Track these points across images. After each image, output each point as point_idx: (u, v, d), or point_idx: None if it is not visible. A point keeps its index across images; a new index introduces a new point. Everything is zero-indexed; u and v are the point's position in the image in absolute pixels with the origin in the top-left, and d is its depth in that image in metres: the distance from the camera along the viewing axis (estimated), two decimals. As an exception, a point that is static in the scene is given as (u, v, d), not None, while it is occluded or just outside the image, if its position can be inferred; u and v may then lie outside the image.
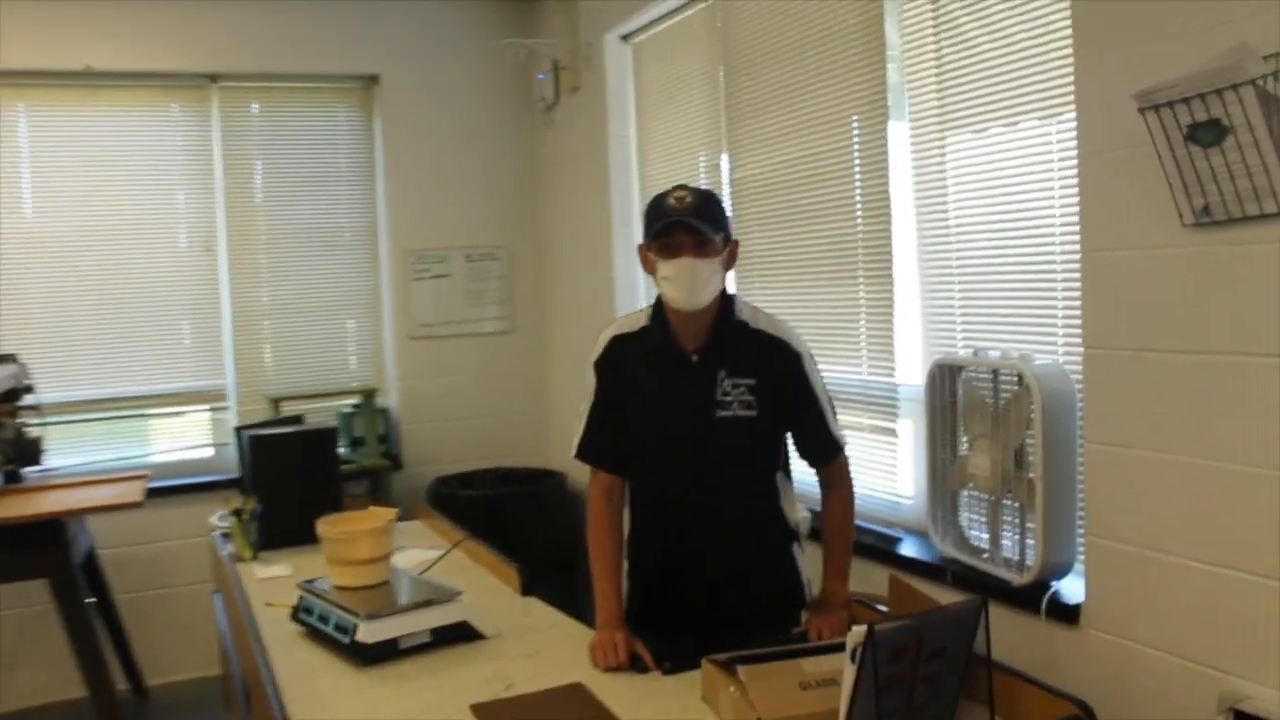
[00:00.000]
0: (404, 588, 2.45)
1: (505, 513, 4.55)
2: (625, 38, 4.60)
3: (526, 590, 2.73)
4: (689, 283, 2.24)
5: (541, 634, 2.44)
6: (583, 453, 2.47)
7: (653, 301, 2.44)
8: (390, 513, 2.55)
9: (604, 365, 2.44)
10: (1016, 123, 2.67)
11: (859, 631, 1.63)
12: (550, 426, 5.40)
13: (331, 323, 5.13)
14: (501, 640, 2.39)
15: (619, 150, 4.64)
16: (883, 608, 2.33)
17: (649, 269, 2.36)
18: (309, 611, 2.44)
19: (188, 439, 4.87)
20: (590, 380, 2.47)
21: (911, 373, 3.11)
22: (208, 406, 4.88)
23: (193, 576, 4.63)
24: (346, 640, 2.26)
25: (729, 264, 2.36)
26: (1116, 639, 2.30)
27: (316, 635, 2.40)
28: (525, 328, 5.39)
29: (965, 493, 2.82)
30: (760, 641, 2.13)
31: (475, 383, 5.28)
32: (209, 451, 4.90)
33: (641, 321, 2.44)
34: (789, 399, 2.36)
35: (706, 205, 2.28)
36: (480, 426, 5.27)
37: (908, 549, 3.01)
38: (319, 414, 4.69)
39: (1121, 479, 2.27)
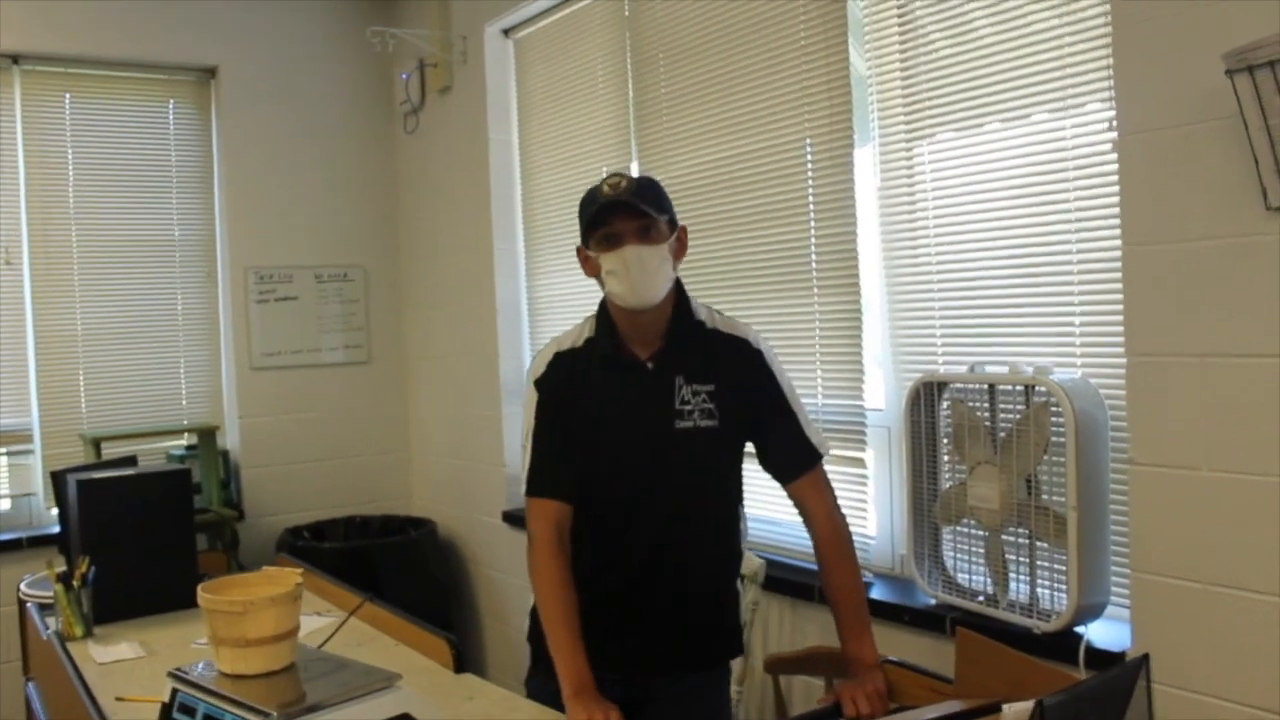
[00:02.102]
0: (321, 674, 1.89)
1: (373, 567, 3.96)
2: (507, 32, 4.14)
3: (460, 665, 2.21)
4: (637, 273, 2.00)
5: (501, 723, 1.93)
6: (536, 486, 2.10)
7: (594, 312, 2.17)
8: (294, 574, 1.99)
9: (546, 384, 2.12)
10: (1021, 116, 2.36)
11: (1018, 711, 1.23)
12: (412, 470, 4.83)
13: (159, 350, 4.40)
14: (453, 735, 1.87)
15: (500, 158, 4.17)
16: (932, 670, 1.93)
17: (590, 271, 2.11)
18: (189, 712, 1.85)
19: (-22, 489, 4.07)
20: (530, 402, 2.14)
21: (876, 395, 2.77)
22: (4, 450, 4.08)
23: (-11, 657, 3.84)
24: (254, 749, 1.69)
25: (679, 253, 2.10)
26: (1174, 689, 1.98)
27: (203, 742, 1.82)
28: (382, 357, 4.80)
29: (952, 529, 2.48)
30: (693, 686, 2.11)
31: (326, 420, 4.65)
32: (5, 504, 4.09)
33: (585, 333, 2.16)
34: (754, 403, 2.13)
35: (646, 188, 2.05)
36: (332, 470, 4.64)
37: (881, 593, 2.64)
38: (147, 457, 3.98)
39: (1176, 505, 1.98)
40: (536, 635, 2.13)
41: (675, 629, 2.14)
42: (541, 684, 2.11)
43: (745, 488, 2.24)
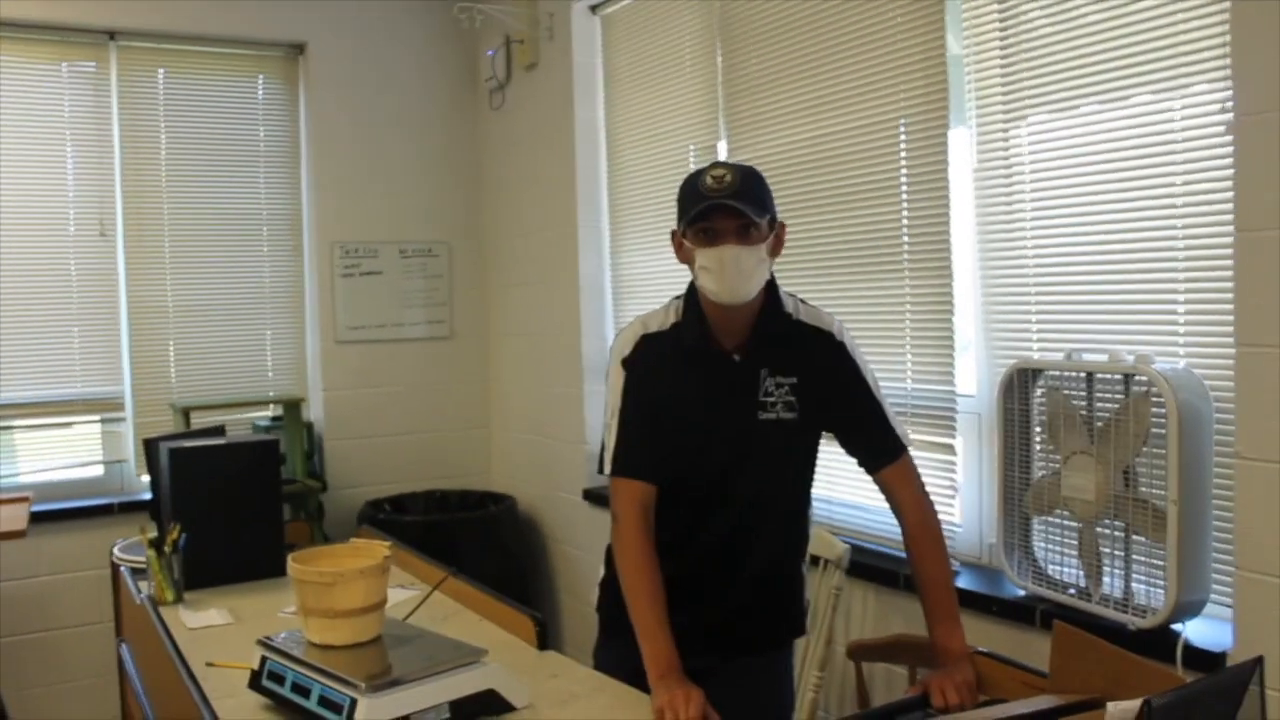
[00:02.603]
0: (407, 647, 1.90)
1: (453, 541, 4.00)
2: (594, 8, 4.12)
3: (544, 643, 2.21)
4: (732, 274, 1.98)
5: (585, 700, 1.92)
6: (622, 465, 2.08)
7: (682, 294, 2.15)
8: (382, 547, 2.00)
9: (634, 365, 2.11)
10: (1125, 98, 2.28)
11: (1124, 710, 1.18)
12: (492, 445, 4.86)
13: (247, 323, 4.47)
14: (536, 712, 1.86)
15: (586, 136, 4.15)
16: (1027, 663, 1.89)
17: (684, 258, 2.09)
18: (278, 679, 1.87)
19: (74, 454, 4.16)
20: (614, 382, 2.13)
21: (967, 381, 2.70)
22: (99, 417, 4.18)
23: (81, 618, 3.94)
24: None
25: (775, 250, 2.06)
26: (1277, 693, 1.90)
27: (291, 710, 1.84)
28: (464, 333, 4.82)
29: (1043, 519, 2.42)
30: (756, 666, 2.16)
31: (408, 394, 4.69)
32: (99, 470, 4.20)
33: (670, 318, 2.14)
34: (836, 394, 2.12)
35: (749, 183, 2.01)
36: (413, 444, 4.69)
37: (968, 583, 2.58)
38: (233, 427, 4.06)
39: (1287, 502, 1.89)
40: (607, 605, 2.15)
41: (742, 611, 2.16)
42: (611, 655, 2.13)
43: (831, 473, 2.22)
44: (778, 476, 2.13)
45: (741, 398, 2.08)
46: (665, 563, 2.04)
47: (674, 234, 2.11)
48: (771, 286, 2.10)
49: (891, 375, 2.80)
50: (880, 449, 2.13)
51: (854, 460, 2.18)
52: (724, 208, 1.96)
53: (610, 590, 2.17)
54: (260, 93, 4.50)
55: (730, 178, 1.97)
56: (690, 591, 2.09)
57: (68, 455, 4.16)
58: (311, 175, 4.50)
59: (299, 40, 4.47)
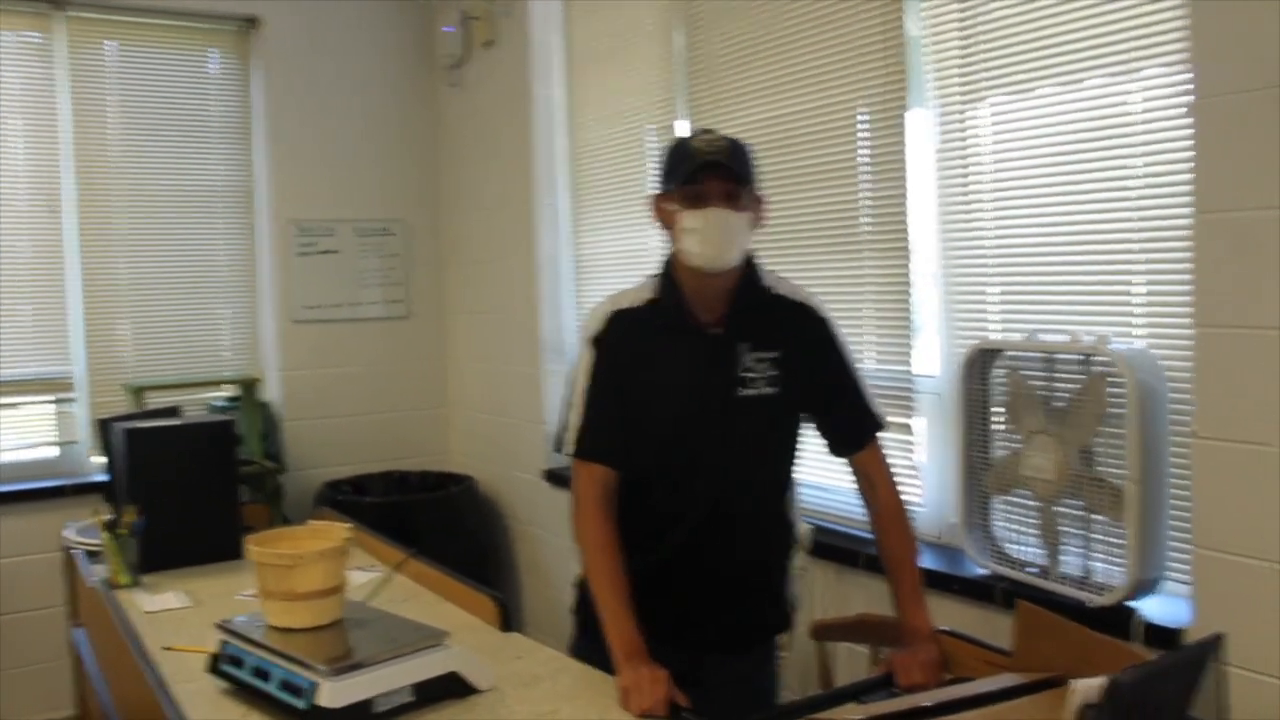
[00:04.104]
0: (368, 630, 1.88)
1: (413, 522, 3.97)
2: (555, -15, 4.08)
3: (507, 624, 2.19)
4: (717, 237, 1.95)
5: (550, 682, 1.91)
6: (585, 447, 2.05)
7: (655, 274, 2.11)
8: (342, 529, 1.98)
9: (603, 343, 2.07)
10: (1083, 80, 2.29)
11: (1089, 687, 1.19)
12: (451, 425, 4.82)
13: (202, 302, 4.40)
14: (501, 695, 1.85)
15: (544, 114, 4.11)
16: (990, 642, 1.90)
17: (666, 222, 2.05)
18: (237, 663, 1.85)
19: (26, 435, 4.08)
20: (583, 362, 2.09)
21: (927, 362, 2.72)
22: (51, 398, 4.10)
23: (34, 602, 3.87)
24: (302, 705, 1.68)
25: (756, 223, 2.05)
26: (1236, 669, 1.92)
27: (251, 695, 1.81)
28: (422, 313, 4.78)
29: (1003, 498, 2.44)
30: (743, 670, 2.08)
31: (366, 375, 4.64)
32: (51, 451, 4.12)
33: (645, 295, 2.10)
34: (817, 370, 2.09)
35: (740, 151, 2.01)
36: (372, 424, 4.64)
37: (929, 562, 2.60)
38: (189, 408, 3.99)
39: (1243, 481, 1.91)
40: (584, 607, 2.08)
41: (727, 603, 2.10)
42: (587, 648, 2.08)
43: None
44: (759, 457, 2.09)
45: (720, 373, 2.03)
46: (643, 551, 2.02)
47: (654, 198, 2.08)
48: (750, 259, 2.08)
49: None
50: (859, 430, 2.12)
51: (825, 442, 2.15)
52: (716, 168, 1.94)
53: (587, 589, 2.08)
54: (213, 67, 4.41)
55: (722, 142, 1.98)
56: (674, 581, 2.05)
57: (19, 436, 4.07)
58: (266, 152, 4.42)
59: (252, 14, 4.38)
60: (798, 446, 2.16)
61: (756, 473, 2.10)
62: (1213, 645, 1.34)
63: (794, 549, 2.24)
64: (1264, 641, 1.88)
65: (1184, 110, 2.05)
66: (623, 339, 2.06)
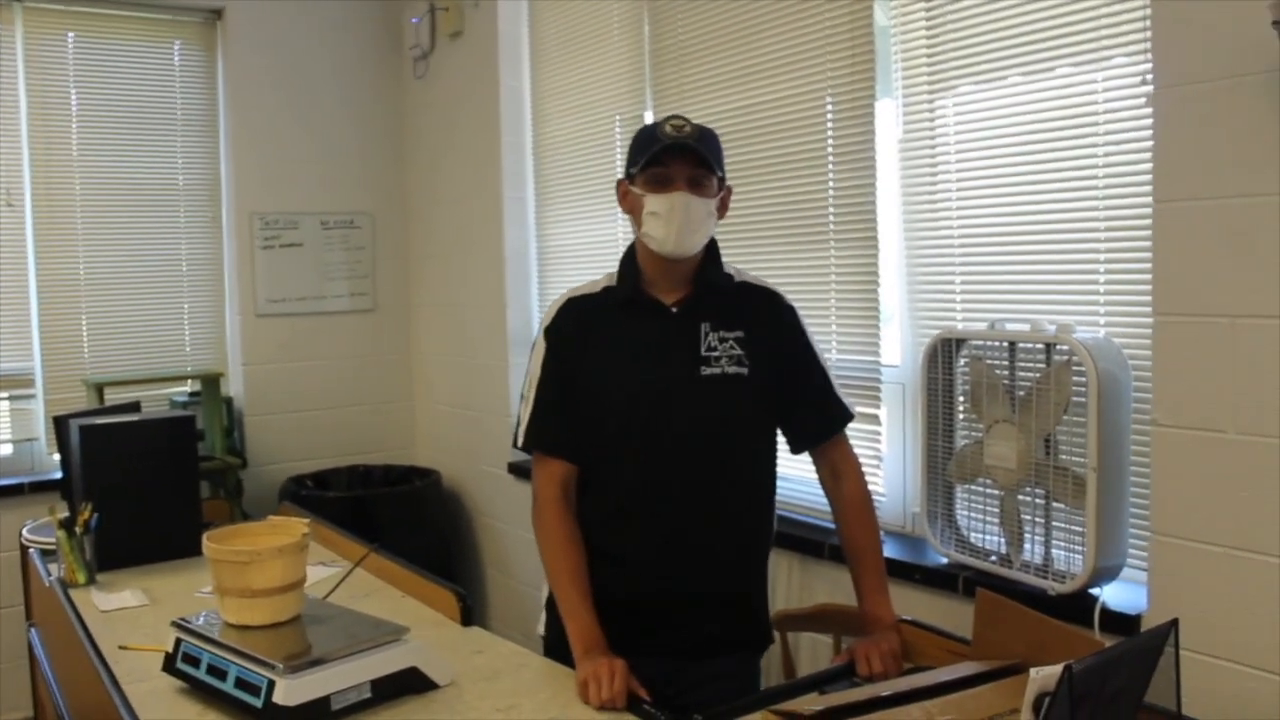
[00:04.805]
0: (326, 626, 1.86)
1: (377, 517, 3.94)
2: (519, -24, 4.05)
3: (468, 619, 2.18)
4: (680, 221, 1.94)
5: (510, 676, 1.90)
6: (535, 439, 2.03)
7: (615, 269, 2.11)
8: (300, 524, 1.96)
9: (555, 331, 2.05)
10: (1048, 70, 2.29)
11: (1046, 676, 1.19)
12: (416, 419, 4.79)
13: (163, 296, 4.34)
14: (460, 690, 1.83)
15: (511, 106, 4.08)
16: (951, 631, 1.91)
17: (629, 207, 2.05)
18: (194, 662, 1.82)
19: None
20: (536, 353, 2.08)
21: (891, 352, 2.72)
22: (7, 394, 4.03)
23: (-11, 602, 3.82)
24: (258, 702, 1.66)
25: (721, 212, 2.04)
26: (1194, 654, 1.94)
27: (208, 694, 1.79)
28: (387, 306, 4.74)
29: (966, 487, 2.44)
30: (726, 671, 2.01)
31: (330, 369, 4.60)
32: (7, 449, 4.06)
33: (602, 284, 2.10)
34: (785, 356, 2.08)
35: (708, 137, 2.01)
36: (336, 419, 4.60)
37: (892, 551, 2.60)
38: (150, 403, 3.95)
39: (1200, 468, 1.93)
40: (554, 627, 2.01)
41: (702, 601, 2.03)
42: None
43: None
44: (729, 439, 2.02)
45: (680, 350, 2.00)
46: (613, 547, 1.99)
47: (620, 182, 2.08)
48: (712, 246, 2.07)
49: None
50: (829, 421, 2.11)
51: (787, 438, 2.13)
52: (681, 151, 1.93)
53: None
54: (177, 59, 4.35)
55: (689, 128, 1.96)
56: (646, 579, 2.00)
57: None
58: (230, 145, 4.37)
59: (217, 5, 4.33)
60: (775, 441, 2.13)
61: (728, 458, 2.02)
62: (1167, 631, 1.34)
63: (769, 545, 2.16)
64: (1217, 626, 1.90)
65: (1144, 100, 2.05)
66: (575, 325, 2.05)
